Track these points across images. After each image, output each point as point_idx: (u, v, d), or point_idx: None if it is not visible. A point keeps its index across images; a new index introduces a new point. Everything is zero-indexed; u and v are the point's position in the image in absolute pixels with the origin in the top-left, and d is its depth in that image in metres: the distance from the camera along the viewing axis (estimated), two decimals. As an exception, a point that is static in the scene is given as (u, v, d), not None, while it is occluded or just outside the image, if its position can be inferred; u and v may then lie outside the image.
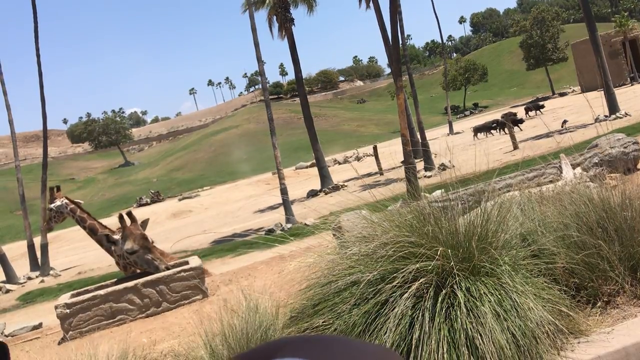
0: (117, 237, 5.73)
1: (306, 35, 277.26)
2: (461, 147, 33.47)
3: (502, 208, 4.18)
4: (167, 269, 5.98)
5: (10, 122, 22.63)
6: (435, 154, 28.63)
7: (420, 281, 3.35)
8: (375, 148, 32.49)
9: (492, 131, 36.66)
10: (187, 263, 6.36)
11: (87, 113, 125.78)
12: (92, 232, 6.77)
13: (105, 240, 5.66)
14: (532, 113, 44.00)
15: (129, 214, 5.72)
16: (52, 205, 7.06)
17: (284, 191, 20.81)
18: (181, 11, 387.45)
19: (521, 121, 34.99)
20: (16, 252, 24.71)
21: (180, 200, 46.64)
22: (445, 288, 3.37)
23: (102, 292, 5.89)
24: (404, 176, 19.14)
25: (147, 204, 51.16)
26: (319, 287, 3.74)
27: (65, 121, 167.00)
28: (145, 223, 5.94)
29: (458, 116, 79.87)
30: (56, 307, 5.88)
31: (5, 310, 14.69)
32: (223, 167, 74.05)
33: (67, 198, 7.06)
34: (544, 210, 4.41)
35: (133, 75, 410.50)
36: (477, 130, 37.44)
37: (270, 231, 17.97)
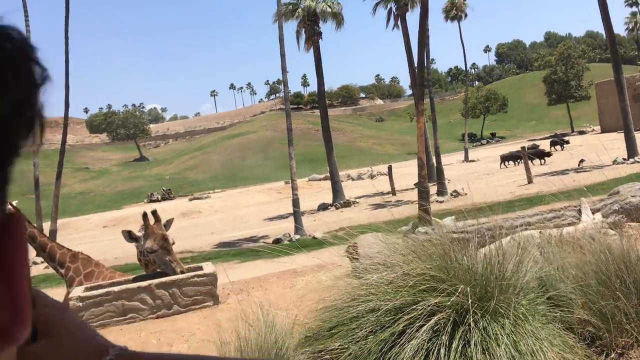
0: (139, 234, 5.84)
1: (331, 49, 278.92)
2: (475, 175, 33.44)
3: (521, 249, 4.20)
4: (182, 272, 6.08)
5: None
6: (449, 180, 28.63)
7: (439, 316, 3.39)
8: (390, 168, 32.62)
9: (518, 160, 36.61)
10: (201, 268, 6.44)
11: (108, 104, 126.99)
12: (32, 239, 7.06)
13: (127, 237, 5.77)
14: (557, 147, 43.97)
15: (154, 213, 5.83)
16: None
17: (296, 202, 20.86)
18: (209, 13, 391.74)
19: (548, 154, 34.87)
20: (25, 235, 24.84)
21: (190, 200, 46.89)
22: (463, 325, 3.40)
23: (115, 288, 5.98)
24: (416, 199, 19.19)
25: (157, 200, 51.46)
26: (336, 310, 3.78)
27: (86, 110, 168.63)
28: (169, 223, 6.04)
29: (474, 144, 79.77)
30: (69, 300, 5.99)
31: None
32: (236, 171, 74.35)
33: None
34: (564, 255, 4.43)
35: (156, 72, 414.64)
36: (505, 158, 37.45)
37: (277, 241, 18.00)
